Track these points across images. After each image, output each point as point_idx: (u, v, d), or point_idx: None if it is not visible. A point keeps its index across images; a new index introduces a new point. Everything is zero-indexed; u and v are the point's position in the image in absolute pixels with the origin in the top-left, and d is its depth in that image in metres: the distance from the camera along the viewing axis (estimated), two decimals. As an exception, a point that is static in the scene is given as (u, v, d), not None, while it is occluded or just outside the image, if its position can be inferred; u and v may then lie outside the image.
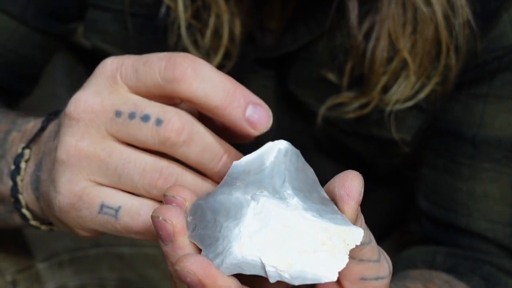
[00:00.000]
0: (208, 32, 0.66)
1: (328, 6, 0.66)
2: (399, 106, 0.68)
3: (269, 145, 0.42)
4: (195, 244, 0.40)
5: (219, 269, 0.38)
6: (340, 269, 0.38)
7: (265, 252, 0.38)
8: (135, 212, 0.45)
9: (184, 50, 0.68)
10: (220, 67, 0.68)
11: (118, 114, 0.44)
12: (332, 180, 0.42)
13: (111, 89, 0.45)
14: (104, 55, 0.74)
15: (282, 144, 0.42)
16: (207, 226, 0.40)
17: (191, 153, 0.44)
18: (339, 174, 0.41)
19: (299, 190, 0.41)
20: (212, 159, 0.45)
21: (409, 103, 0.67)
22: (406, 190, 0.86)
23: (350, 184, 0.40)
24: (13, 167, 0.52)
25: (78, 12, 0.73)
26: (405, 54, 0.65)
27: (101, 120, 0.44)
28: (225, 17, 0.66)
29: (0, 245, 0.75)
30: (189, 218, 0.40)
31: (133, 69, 0.44)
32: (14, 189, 0.52)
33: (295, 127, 0.74)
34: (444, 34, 0.65)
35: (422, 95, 0.67)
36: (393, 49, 0.65)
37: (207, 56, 0.68)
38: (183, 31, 0.67)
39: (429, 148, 0.74)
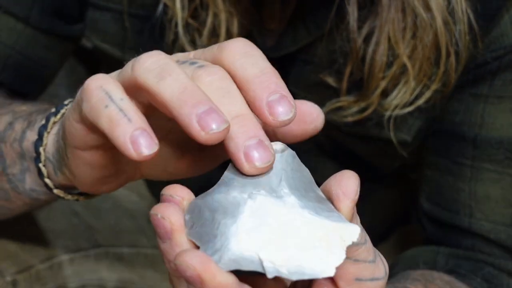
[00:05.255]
0: (206, 31, 0.66)
1: (328, 8, 0.65)
2: (398, 112, 0.67)
3: None
4: (193, 242, 0.40)
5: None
6: (337, 264, 0.38)
7: (263, 248, 0.38)
8: None
9: (182, 49, 0.68)
10: None
11: None
12: (328, 180, 0.42)
13: None
14: (104, 55, 0.74)
15: (277, 145, 0.42)
16: (204, 223, 0.40)
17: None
18: (335, 174, 0.41)
19: (296, 189, 0.41)
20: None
21: (409, 109, 0.67)
22: (408, 191, 0.85)
23: (347, 183, 0.40)
24: (43, 122, 0.54)
25: (80, 12, 0.73)
26: (405, 59, 0.65)
27: None
28: (223, 17, 0.66)
29: (0, 245, 0.75)
30: (187, 217, 0.40)
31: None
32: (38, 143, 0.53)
33: None
34: (443, 40, 0.64)
35: (421, 100, 0.67)
36: (393, 54, 0.65)
37: None
38: (180, 30, 0.67)
39: (430, 149, 0.73)
